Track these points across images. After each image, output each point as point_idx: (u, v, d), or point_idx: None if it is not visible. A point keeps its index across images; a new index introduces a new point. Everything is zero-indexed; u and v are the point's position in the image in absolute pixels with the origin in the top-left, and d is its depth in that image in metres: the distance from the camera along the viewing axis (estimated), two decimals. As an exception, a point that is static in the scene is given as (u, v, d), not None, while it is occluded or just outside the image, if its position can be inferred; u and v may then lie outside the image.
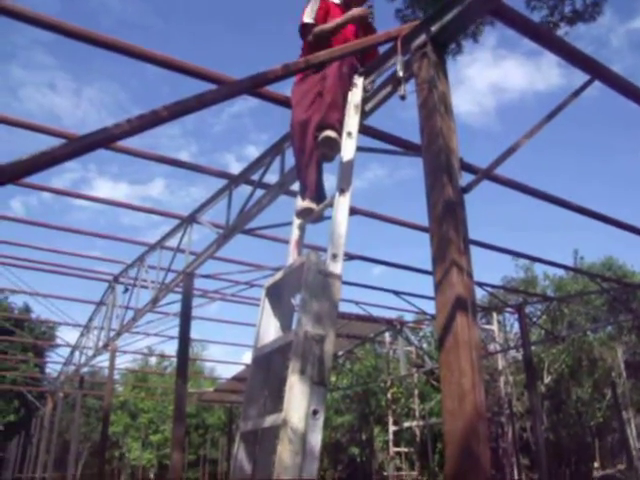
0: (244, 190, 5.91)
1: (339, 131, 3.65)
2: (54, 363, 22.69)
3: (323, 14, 4.20)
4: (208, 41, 75.90)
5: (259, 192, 5.56)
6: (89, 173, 65.69)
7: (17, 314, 30.51)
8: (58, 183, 57.91)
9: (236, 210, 5.91)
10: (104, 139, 2.50)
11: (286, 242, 5.87)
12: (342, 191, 3.29)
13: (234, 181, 6.00)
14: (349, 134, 3.57)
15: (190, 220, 7.02)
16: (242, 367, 16.41)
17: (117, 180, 69.19)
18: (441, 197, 2.97)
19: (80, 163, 67.36)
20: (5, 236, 9.53)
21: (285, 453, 2.47)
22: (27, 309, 31.35)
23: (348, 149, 3.51)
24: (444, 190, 2.98)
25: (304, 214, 3.65)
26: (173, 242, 7.74)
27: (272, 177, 5.37)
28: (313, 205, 3.63)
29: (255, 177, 5.61)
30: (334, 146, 3.63)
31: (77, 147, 2.31)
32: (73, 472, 16.40)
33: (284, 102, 4.52)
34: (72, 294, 14.95)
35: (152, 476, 35.59)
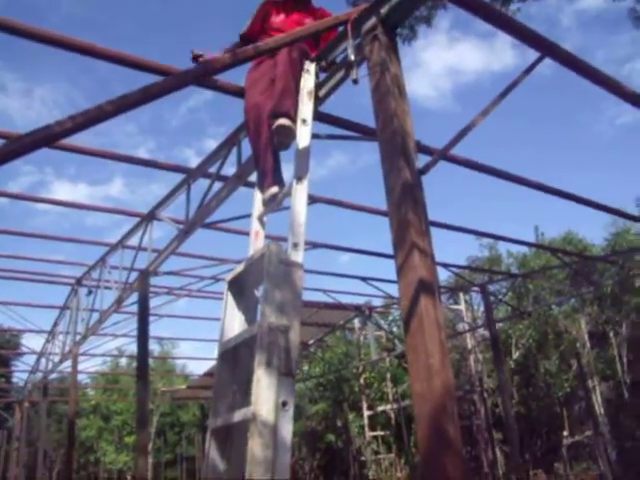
0: (203, 184, 5.83)
1: (293, 118, 3.61)
2: (20, 372, 22.21)
3: (260, 20, 4.38)
4: (159, 37, 74.58)
5: (217, 185, 5.49)
6: (46, 176, 64.35)
7: (-22, 324, 29.72)
8: (14, 187, 56.55)
9: (195, 205, 5.82)
10: (46, 137, 2.41)
11: (247, 234, 5.82)
12: (299, 179, 3.26)
13: (191, 175, 5.90)
14: (304, 121, 3.54)
15: (150, 217, 6.89)
16: (213, 362, 16.30)
17: (76, 181, 67.89)
18: (398, 180, 2.95)
19: (36, 166, 65.83)
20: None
21: (256, 447, 2.44)
22: (-11, 319, 30.57)
23: (303, 136, 3.47)
24: (401, 173, 2.96)
25: (270, 201, 3.61)
26: (135, 241, 7.61)
27: (230, 169, 5.31)
28: (277, 189, 3.59)
29: (213, 170, 5.52)
30: (289, 134, 3.59)
31: (17, 147, 2.22)
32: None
33: (237, 92, 4.44)
34: (36, 300, 14.62)
35: (129, 478, 35.22)
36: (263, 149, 3.77)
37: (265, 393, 2.52)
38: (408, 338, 2.71)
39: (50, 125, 2.52)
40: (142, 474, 5.95)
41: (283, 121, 3.57)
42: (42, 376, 14.38)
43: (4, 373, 26.84)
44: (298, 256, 2.94)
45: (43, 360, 13.96)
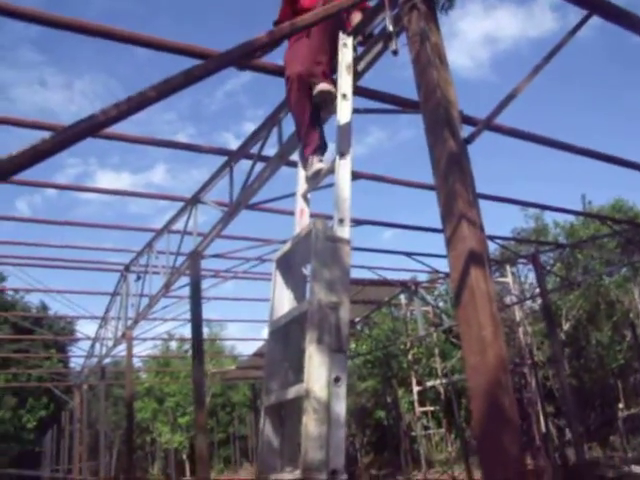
0: (245, 166, 5.85)
1: (331, 83, 3.63)
2: (77, 357, 22.96)
3: (289, 4, 4.27)
4: (197, 27, 74.79)
5: (259, 166, 5.50)
6: (90, 166, 65.64)
7: (35, 313, 30.80)
8: (61, 179, 57.99)
9: (238, 186, 5.85)
10: (91, 127, 2.43)
11: (291, 214, 5.80)
12: (342, 155, 3.23)
13: (233, 157, 5.93)
14: (344, 96, 3.49)
15: (194, 201, 6.97)
16: (262, 343, 16.53)
17: (119, 170, 69.15)
18: (444, 151, 2.90)
19: (80, 157, 67.29)
20: (14, 236, 9.56)
21: (310, 423, 2.46)
22: (44, 307, 31.68)
23: (344, 111, 3.43)
24: (446, 143, 2.91)
25: (314, 177, 3.61)
26: (180, 226, 7.72)
27: (271, 150, 5.32)
28: (322, 165, 3.59)
29: (254, 151, 5.54)
30: (329, 98, 3.60)
31: (64, 138, 2.25)
32: (107, 460, 16.75)
33: (276, 71, 4.43)
34: (86, 287, 15.06)
35: (185, 457, 36.21)
36: (305, 121, 3.76)
37: (317, 370, 2.53)
38: (459, 310, 2.67)
39: (95, 114, 2.55)
40: (202, 452, 6.06)
41: (323, 86, 3.57)
42: (97, 360, 14.82)
43: (62, 358, 27.82)
44: (344, 232, 2.93)
45: (97, 345, 14.40)
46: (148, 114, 64.01)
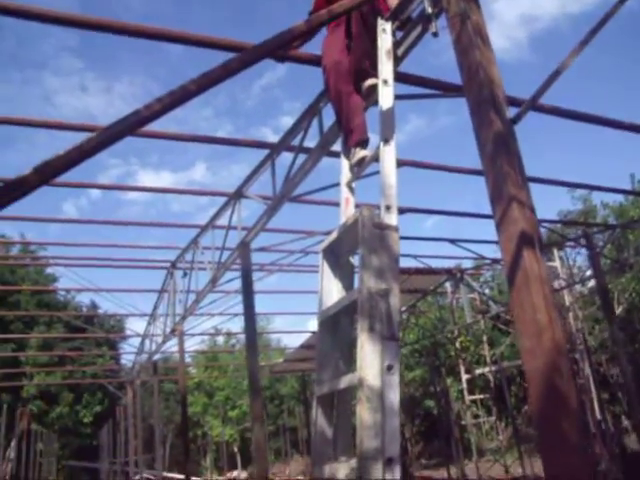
0: (286, 159, 5.86)
1: (375, 77, 3.59)
2: (127, 354, 23.53)
3: None
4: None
5: (301, 158, 5.50)
6: (132, 167, 66.86)
7: (86, 312, 31.69)
8: (104, 180, 59.27)
9: (281, 179, 5.86)
10: (135, 123, 2.46)
11: (334, 205, 5.81)
12: (386, 141, 3.19)
13: (275, 150, 5.94)
14: (385, 82, 3.45)
15: (237, 196, 7.01)
16: (308, 335, 16.59)
17: (159, 169, 70.28)
18: (490, 132, 2.83)
19: (121, 158, 68.66)
20: (62, 238, 9.83)
21: (365, 412, 2.44)
22: (94, 306, 32.56)
23: (386, 97, 3.39)
24: (492, 125, 2.84)
25: (358, 165, 3.59)
26: (224, 221, 7.79)
27: (312, 141, 5.30)
28: (366, 152, 3.56)
29: (295, 143, 5.53)
30: (374, 93, 3.58)
31: (108, 135, 2.28)
32: (161, 453, 17.18)
33: (314, 61, 4.40)
34: (134, 285, 15.38)
35: (236, 450, 36.75)
36: (347, 109, 3.73)
37: (370, 358, 2.51)
38: (513, 294, 2.62)
39: (138, 110, 2.57)
40: (259, 442, 6.02)
41: (372, 81, 3.56)
42: (147, 357, 15.12)
43: (113, 355, 28.58)
44: (392, 219, 2.90)
45: (147, 341, 14.69)
46: (185, 112, 64.85)
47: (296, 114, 5.33)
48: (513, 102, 5.16)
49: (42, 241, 24.92)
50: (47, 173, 2.50)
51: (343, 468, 2.65)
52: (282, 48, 3.63)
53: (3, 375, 23.65)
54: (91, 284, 12.44)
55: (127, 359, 32.56)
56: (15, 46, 57.44)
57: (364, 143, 3.66)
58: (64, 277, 25.09)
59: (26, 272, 31.64)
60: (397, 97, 3.77)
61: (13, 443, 22.11)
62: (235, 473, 35.02)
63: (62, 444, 29.83)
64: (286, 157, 5.86)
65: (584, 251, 12.70)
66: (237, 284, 9.74)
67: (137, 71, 73.09)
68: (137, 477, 18.35)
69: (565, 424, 2.45)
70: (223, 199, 7.47)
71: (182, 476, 23.31)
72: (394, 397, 2.53)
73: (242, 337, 38.52)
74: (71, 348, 26.15)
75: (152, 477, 21.24)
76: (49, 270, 29.88)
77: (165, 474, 22.10)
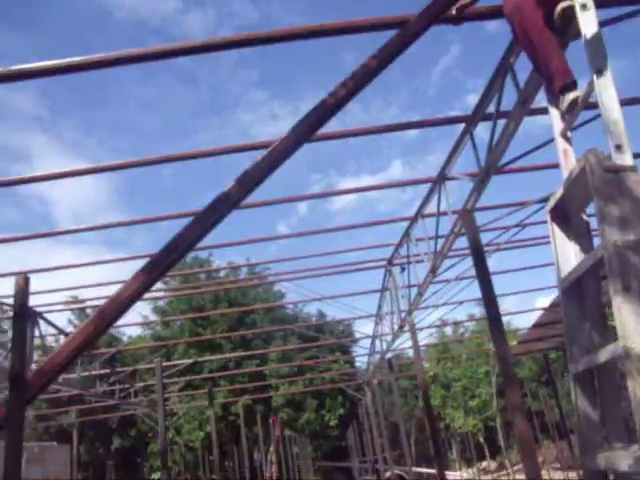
0: (484, 132, 5.47)
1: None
2: (360, 356, 24.30)
3: None
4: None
5: (500, 126, 5.06)
6: (332, 178, 69.34)
7: (315, 321, 33.53)
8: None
9: (483, 152, 5.48)
10: (324, 112, 2.39)
11: (548, 168, 5.27)
12: (599, 72, 2.74)
13: (471, 122, 5.58)
14: (583, 6, 2.98)
15: (441, 179, 6.74)
16: (539, 313, 15.62)
17: (359, 175, 72.00)
18: None
19: (321, 172, 71.59)
20: (279, 256, 10.40)
21: (638, 387, 2.05)
22: (322, 314, 34.32)
23: (588, 23, 2.92)
24: None
25: (571, 109, 3.13)
26: (432, 208, 7.59)
27: (509, 103, 4.85)
28: (577, 93, 3.11)
29: (491, 109, 5.13)
30: (570, 17, 3.12)
31: (295, 136, 2.20)
32: (408, 450, 17.42)
33: (494, 13, 4.02)
34: (355, 288, 15.77)
35: (482, 440, 36.02)
36: (541, 49, 3.28)
37: (631, 323, 2.12)
38: None
39: (325, 99, 2.49)
40: (523, 434, 5.19)
41: (566, 3, 3.11)
42: (380, 356, 15.34)
43: (347, 359, 29.82)
44: (625, 158, 2.45)
45: (377, 341, 14.91)
46: (371, 117, 65.69)
47: (480, 89, 4.94)
48: None
49: (264, 261, 26.93)
50: (247, 183, 2.54)
51: (623, 457, 2.25)
52: (449, 7, 3.34)
53: (254, 388, 25.90)
54: (315, 294, 12.96)
55: (360, 361, 33.70)
56: (207, 92, 63.09)
57: (571, 85, 3.19)
58: (290, 292, 26.71)
59: (256, 293, 34.43)
60: (602, 24, 3.26)
61: (272, 448, 24.12)
62: (484, 464, 34.31)
63: (314, 447, 31.84)
64: (484, 127, 5.49)
65: None
66: (457, 271, 9.47)
67: (313, 87, 75.74)
68: (388, 474, 18.77)
69: None
70: (425, 191, 7.35)
71: (432, 470, 23.36)
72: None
73: (470, 325, 37.73)
74: (307, 357, 27.88)
75: (402, 473, 21.56)
76: (276, 287, 32.17)
77: (415, 469, 22.32)
